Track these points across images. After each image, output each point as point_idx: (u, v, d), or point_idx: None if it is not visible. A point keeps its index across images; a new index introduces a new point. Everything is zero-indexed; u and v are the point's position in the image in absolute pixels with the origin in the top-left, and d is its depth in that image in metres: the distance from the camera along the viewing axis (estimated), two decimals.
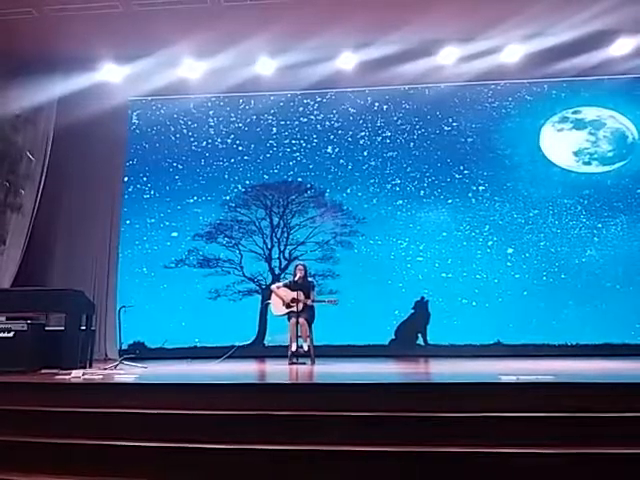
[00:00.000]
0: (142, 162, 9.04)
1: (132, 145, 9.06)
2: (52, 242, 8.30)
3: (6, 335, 5.17)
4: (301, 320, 6.33)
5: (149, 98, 9.00)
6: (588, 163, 8.45)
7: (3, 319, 5.71)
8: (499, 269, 8.22)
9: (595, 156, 8.46)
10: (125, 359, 5.85)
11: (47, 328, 5.65)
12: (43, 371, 5.11)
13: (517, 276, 8.18)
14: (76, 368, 5.07)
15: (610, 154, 8.42)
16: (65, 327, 5.47)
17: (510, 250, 8.29)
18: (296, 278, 6.61)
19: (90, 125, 8.10)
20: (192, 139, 9.06)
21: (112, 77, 8.26)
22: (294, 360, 6.21)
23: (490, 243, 8.35)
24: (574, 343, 7.73)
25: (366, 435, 3.23)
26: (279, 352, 6.89)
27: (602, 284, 7.92)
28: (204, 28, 7.22)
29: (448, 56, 7.91)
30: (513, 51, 7.86)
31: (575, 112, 8.59)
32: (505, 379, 3.83)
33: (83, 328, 5.64)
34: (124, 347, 7.82)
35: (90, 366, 5.67)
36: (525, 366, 5.66)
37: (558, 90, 8.60)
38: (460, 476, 3.00)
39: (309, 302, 6.45)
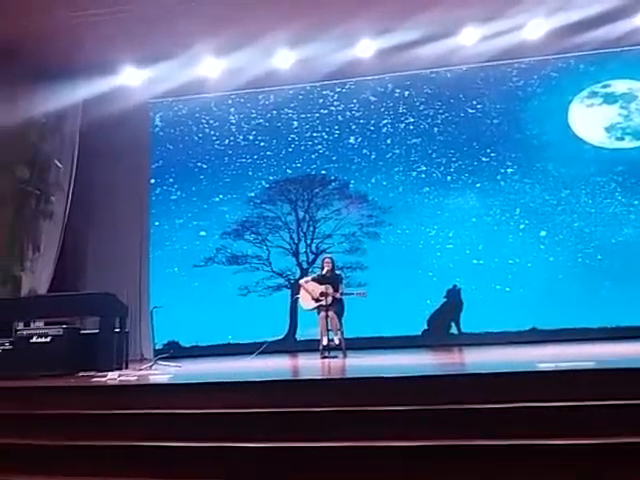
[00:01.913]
0: (167, 163, 9.13)
1: (156, 147, 9.16)
2: (84, 247, 8.48)
3: (44, 340, 5.31)
4: (330, 313, 6.30)
5: (170, 99, 9.07)
6: (621, 138, 8.14)
7: (41, 324, 5.88)
8: (532, 253, 8.01)
9: (628, 130, 8.13)
10: (159, 359, 5.93)
11: (82, 332, 5.77)
12: (80, 374, 5.22)
13: (551, 259, 7.95)
14: (112, 370, 5.18)
15: None
16: (99, 330, 5.58)
17: (543, 233, 8.06)
18: (324, 271, 6.58)
19: (114, 129, 8.20)
20: (214, 138, 9.10)
21: (133, 80, 8.32)
22: (326, 354, 6.19)
23: (522, 226, 8.14)
24: (614, 325, 7.48)
25: (406, 429, 3.17)
26: (310, 346, 6.88)
27: None
28: (221, 25, 7.19)
29: (469, 37, 7.65)
30: (536, 27, 7.55)
31: (604, 86, 8.27)
32: (543, 367, 3.72)
33: (117, 330, 5.73)
34: (159, 347, 7.93)
35: (126, 367, 5.77)
36: (563, 352, 5.51)
37: (585, 64, 8.29)
38: (502, 468, 2.92)
39: (338, 295, 6.41)
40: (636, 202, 7.88)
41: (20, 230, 7.45)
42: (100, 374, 4.93)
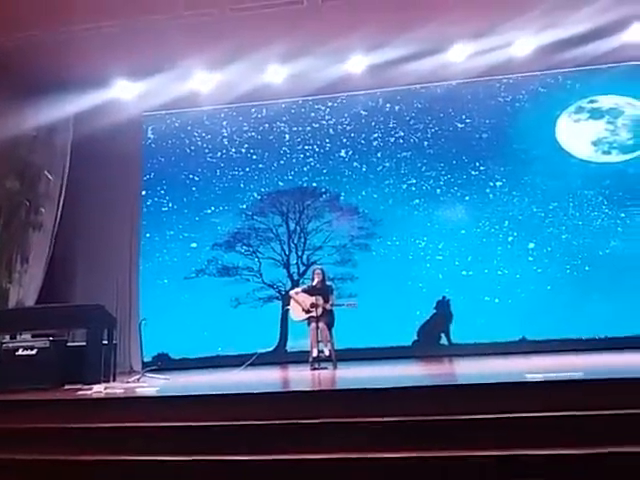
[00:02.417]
0: (159, 176, 9.13)
1: (148, 159, 9.16)
2: (73, 258, 8.43)
3: (29, 353, 5.25)
4: (321, 325, 6.29)
5: (163, 112, 9.09)
6: (608, 152, 8.25)
7: (28, 337, 5.81)
8: (521, 264, 8.06)
9: (615, 145, 8.25)
10: (147, 371, 5.88)
11: (69, 344, 5.72)
12: (66, 387, 5.16)
13: (540, 271, 8.01)
14: (99, 382, 5.13)
15: (630, 142, 8.20)
16: (87, 342, 5.53)
17: (531, 245, 8.13)
18: (314, 283, 6.58)
19: (106, 142, 8.20)
20: (207, 150, 9.12)
21: (125, 93, 8.35)
22: (316, 365, 6.16)
23: (510, 239, 8.20)
24: (602, 336, 7.52)
25: (396, 441, 3.16)
26: (301, 358, 6.86)
27: (628, 275, 7.67)
28: (213, 40, 7.24)
29: (459, 53, 7.77)
30: (524, 44, 7.68)
31: (591, 101, 8.41)
32: (531, 377, 3.73)
33: (105, 342, 5.68)
34: (149, 359, 7.89)
35: (114, 380, 5.71)
36: (552, 363, 5.53)
37: (572, 80, 8.42)
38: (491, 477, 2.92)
39: (328, 306, 6.41)
40: (623, 215, 7.97)
41: (8, 241, 7.41)
42: (86, 387, 4.88)
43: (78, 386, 5.06)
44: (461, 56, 7.83)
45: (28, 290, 7.55)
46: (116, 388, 4.67)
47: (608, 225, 7.99)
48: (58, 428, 3.66)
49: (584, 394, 3.39)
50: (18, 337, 5.88)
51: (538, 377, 3.73)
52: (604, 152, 8.27)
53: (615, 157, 8.22)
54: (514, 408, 3.29)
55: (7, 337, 5.90)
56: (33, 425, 3.73)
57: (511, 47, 7.74)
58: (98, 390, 4.51)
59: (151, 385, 4.96)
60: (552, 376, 3.75)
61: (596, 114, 8.39)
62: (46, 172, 7.86)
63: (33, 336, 5.70)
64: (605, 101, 8.38)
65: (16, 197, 7.47)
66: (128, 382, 5.37)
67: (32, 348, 5.29)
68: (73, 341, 6.01)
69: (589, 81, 8.35)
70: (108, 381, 5.50)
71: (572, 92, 8.44)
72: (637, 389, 3.39)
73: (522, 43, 7.69)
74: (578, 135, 8.35)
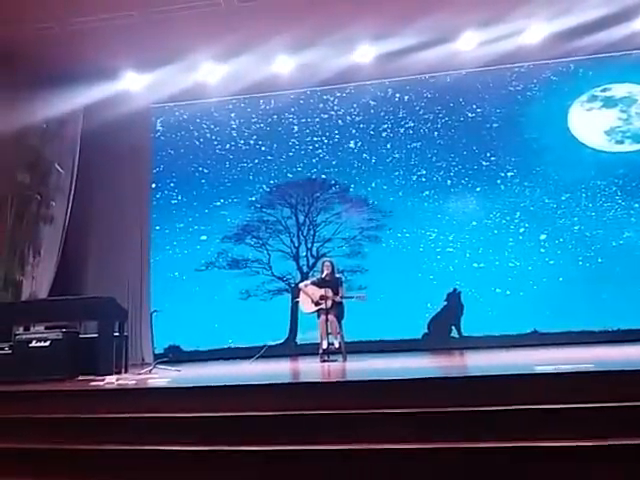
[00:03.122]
0: (168, 168, 9.16)
1: (158, 152, 9.18)
2: (85, 251, 8.48)
3: (43, 344, 5.31)
4: (330, 317, 6.28)
5: (171, 104, 9.10)
6: (621, 142, 8.13)
7: (41, 328, 5.88)
8: (532, 256, 8.00)
9: (628, 134, 8.13)
10: (159, 363, 5.93)
11: (81, 336, 5.78)
12: (79, 378, 5.22)
13: (551, 262, 7.94)
14: (111, 374, 5.18)
15: None
16: (99, 334, 5.58)
17: (543, 236, 8.05)
18: (324, 275, 6.57)
19: (115, 134, 8.23)
20: (216, 142, 9.12)
21: (134, 85, 8.36)
22: (325, 358, 6.17)
23: (522, 230, 8.14)
24: (615, 329, 7.46)
25: (406, 432, 3.16)
26: (311, 350, 6.87)
27: None
28: (221, 31, 7.23)
29: (468, 41, 7.68)
30: (535, 31, 7.57)
31: (604, 90, 8.28)
32: (541, 369, 3.70)
33: (116, 334, 5.73)
34: (160, 351, 7.95)
35: (125, 371, 5.76)
36: (564, 355, 5.49)
37: (585, 68, 8.30)
38: (499, 470, 2.91)
39: (338, 299, 6.40)
40: (636, 205, 7.87)
41: (21, 235, 7.47)
42: (99, 378, 4.94)
43: (91, 377, 5.12)
44: (471, 44, 7.73)
45: (41, 283, 7.62)
46: (128, 379, 4.71)
47: (621, 216, 7.89)
48: (71, 418, 3.70)
49: (595, 386, 3.36)
50: (32, 329, 5.96)
51: (550, 369, 3.69)
52: (617, 141, 8.15)
53: (628, 146, 8.11)
54: (526, 400, 3.27)
55: (21, 329, 5.98)
56: (47, 415, 3.78)
57: (522, 35, 7.62)
58: (110, 381, 4.55)
59: (163, 376, 4.99)
60: (564, 368, 3.71)
61: (609, 103, 8.27)
62: (56, 165, 7.90)
63: (46, 328, 5.77)
64: (618, 89, 8.26)
65: (27, 190, 7.52)
66: (140, 374, 5.41)
67: (45, 340, 5.34)
68: (85, 333, 6.06)
69: (602, 69, 8.23)
70: (120, 372, 5.56)
71: (584, 80, 8.33)
72: None
73: (533, 31, 7.57)
74: (591, 124, 8.24)
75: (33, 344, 5.35)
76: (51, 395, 4.13)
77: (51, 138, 7.84)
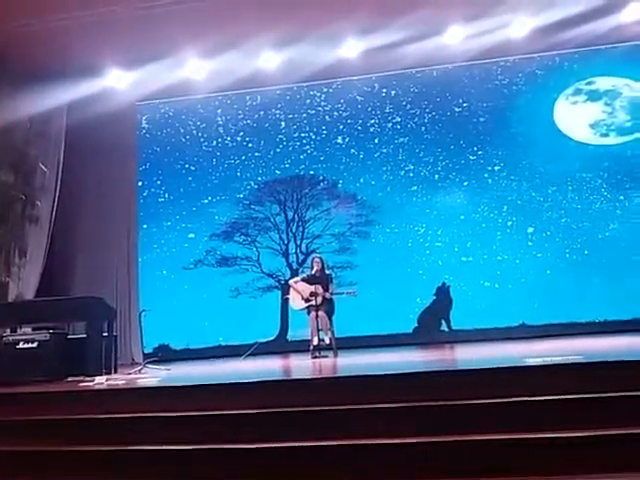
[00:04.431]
0: (155, 166, 9.08)
1: (143, 149, 9.10)
2: (71, 251, 8.40)
3: (30, 346, 5.25)
4: (321, 313, 6.28)
5: (157, 101, 9.02)
6: (606, 135, 8.22)
7: (28, 330, 5.81)
8: (520, 249, 8.07)
9: (612, 127, 8.21)
10: (148, 362, 5.89)
11: (69, 336, 5.72)
12: (68, 379, 5.17)
13: (539, 255, 8.01)
14: (101, 374, 5.14)
15: (628, 124, 8.17)
16: (87, 334, 5.53)
17: (530, 229, 8.12)
18: (313, 271, 6.57)
19: (101, 132, 8.16)
20: (202, 139, 9.06)
21: (119, 82, 8.27)
22: (317, 354, 6.18)
23: (510, 223, 8.19)
24: (602, 320, 7.55)
25: (398, 427, 3.17)
26: (301, 347, 6.87)
27: (628, 258, 7.69)
28: (206, 27, 7.18)
29: (454, 35, 7.69)
30: (521, 25, 7.61)
31: (589, 83, 8.36)
32: (531, 362, 3.73)
33: (105, 334, 5.68)
34: (150, 350, 7.90)
35: (115, 371, 5.72)
36: (552, 347, 5.54)
37: (570, 61, 8.37)
38: (490, 463, 2.93)
39: (327, 295, 6.40)
40: (622, 197, 7.96)
41: (6, 235, 7.37)
42: (88, 378, 4.90)
43: (79, 378, 5.08)
44: (457, 39, 7.75)
45: (27, 284, 7.52)
46: (118, 379, 4.68)
47: (607, 208, 7.98)
48: (61, 419, 3.67)
49: (584, 377, 3.39)
50: (19, 330, 5.88)
51: (538, 361, 3.73)
52: (602, 134, 8.23)
53: (613, 139, 8.19)
54: (515, 392, 3.30)
55: (8, 330, 5.90)
56: (36, 417, 3.74)
57: (508, 29, 7.66)
58: (100, 382, 4.52)
59: (152, 376, 4.97)
60: (552, 360, 3.74)
61: (594, 96, 8.34)
62: (41, 164, 7.80)
63: (34, 329, 5.69)
64: (603, 83, 8.33)
65: (11, 190, 7.41)
66: (129, 373, 5.37)
67: (33, 341, 5.28)
68: (73, 334, 6.01)
69: (587, 62, 8.31)
70: (110, 373, 5.51)
71: (569, 74, 8.40)
72: (637, 371, 3.40)
73: (519, 24, 7.61)
74: (576, 117, 8.32)
75: (20, 345, 5.28)
76: (40, 397, 4.09)
77: (35, 136, 7.74)
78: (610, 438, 2.89)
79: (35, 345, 5.25)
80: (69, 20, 6.91)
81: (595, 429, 2.95)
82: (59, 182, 8.03)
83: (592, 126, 8.25)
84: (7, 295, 7.23)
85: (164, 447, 3.25)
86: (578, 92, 8.37)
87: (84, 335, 5.59)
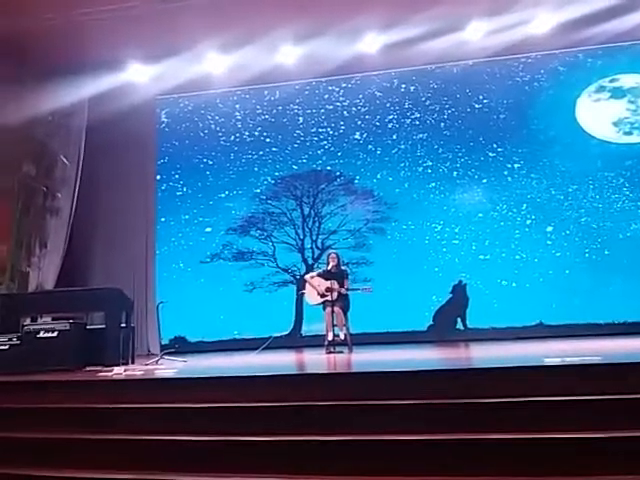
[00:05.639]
0: (173, 160, 9.15)
1: (162, 143, 9.18)
2: (91, 243, 8.52)
3: (50, 335, 5.33)
4: (336, 309, 6.28)
5: (176, 95, 9.09)
6: (629, 133, 8.06)
7: (48, 319, 5.91)
8: (539, 248, 7.97)
9: (636, 125, 8.05)
10: (165, 354, 5.96)
11: (88, 327, 5.80)
12: (87, 369, 5.25)
13: (558, 254, 7.91)
14: (118, 364, 5.21)
15: None
16: (106, 325, 5.61)
17: (550, 228, 8.02)
18: (329, 267, 6.57)
19: (120, 126, 8.23)
20: (220, 134, 9.10)
21: (139, 77, 8.34)
22: (331, 349, 6.18)
23: (528, 222, 8.10)
24: (622, 321, 7.44)
25: (411, 424, 3.16)
26: (316, 342, 6.88)
27: None
28: (227, 22, 7.20)
29: (475, 31, 7.59)
30: (543, 21, 7.49)
31: (612, 80, 8.20)
32: (549, 362, 3.69)
33: (123, 325, 5.75)
34: (166, 342, 7.98)
35: (132, 362, 5.79)
36: (570, 347, 5.47)
37: (593, 58, 8.22)
38: (506, 462, 2.91)
39: (343, 291, 6.40)
40: None
41: (27, 227, 7.50)
42: (106, 369, 4.96)
43: (98, 368, 5.15)
44: (478, 34, 7.65)
45: (47, 274, 7.66)
46: (135, 370, 4.74)
47: (629, 208, 7.84)
48: (79, 408, 3.72)
49: (602, 378, 3.34)
50: (39, 320, 5.99)
51: (556, 361, 3.69)
52: (625, 133, 8.08)
53: (636, 138, 8.04)
54: (533, 392, 3.26)
55: (28, 320, 6.01)
56: (54, 405, 3.80)
57: (529, 25, 7.54)
58: (118, 372, 4.57)
59: (169, 367, 5.02)
60: (570, 360, 3.70)
61: (617, 93, 8.19)
62: (62, 157, 7.91)
63: (53, 319, 5.80)
64: (626, 80, 8.18)
65: (33, 182, 7.54)
66: (147, 364, 5.44)
67: (53, 330, 5.36)
68: (92, 324, 6.09)
69: (610, 59, 8.16)
70: (127, 363, 5.58)
71: (592, 71, 8.25)
72: None
73: (541, 20, 7.49)
74: (598, 115, 8.17)
75: (41, 335, 5.37)
76: (59, 386, 4.15)
77: (57, 130, 7.86)
78: (629, 440, 2.85)
79: (55, 334, 5.33)
80: (90, 15, 6.99)
81: (613, 431, 2.91)
82: (79, 174, 8.15)
83: (615, 124, 8.11)
84: (28, 285, 7.37)
85: (180, 437, 3.28)
86: (601, 89, 8.23)
87: (103, 325, 5.67)
